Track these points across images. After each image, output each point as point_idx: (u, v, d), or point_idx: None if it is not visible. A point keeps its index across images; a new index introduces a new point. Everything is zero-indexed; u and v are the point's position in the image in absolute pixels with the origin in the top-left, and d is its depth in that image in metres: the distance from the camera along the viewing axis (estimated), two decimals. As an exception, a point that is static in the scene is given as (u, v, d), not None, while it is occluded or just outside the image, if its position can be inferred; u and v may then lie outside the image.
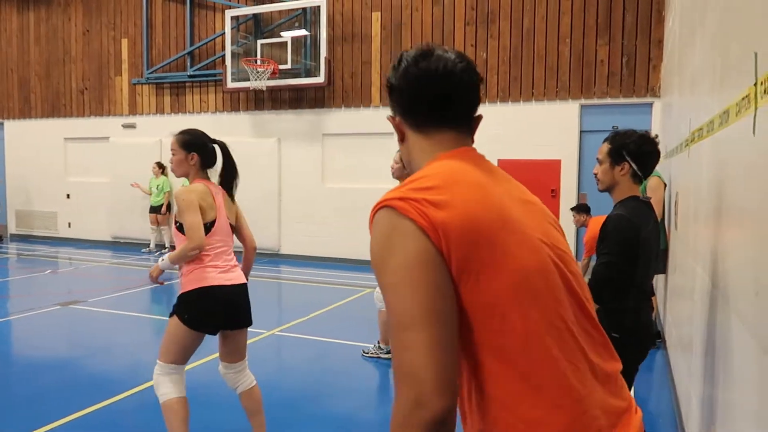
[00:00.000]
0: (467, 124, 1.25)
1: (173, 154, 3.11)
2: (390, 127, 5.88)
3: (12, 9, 13.04)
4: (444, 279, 1.01)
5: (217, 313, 2.95)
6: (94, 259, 10.49)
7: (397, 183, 6.53)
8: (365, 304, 7.26)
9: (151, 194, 10.95)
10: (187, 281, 2.94)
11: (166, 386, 2.92)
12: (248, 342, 5.34)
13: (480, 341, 1.05)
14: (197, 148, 3.08)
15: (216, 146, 3.18)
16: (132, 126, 11.88)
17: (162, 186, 10.94)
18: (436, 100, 1.19)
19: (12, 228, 13.44)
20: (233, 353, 3.15)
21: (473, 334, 1.05)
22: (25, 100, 13.05)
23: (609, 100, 8.50)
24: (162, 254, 10.95)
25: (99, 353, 5.21)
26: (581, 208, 6.67)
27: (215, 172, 3.21)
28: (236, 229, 3.23)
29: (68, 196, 12.61)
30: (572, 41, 8.61)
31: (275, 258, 10.73)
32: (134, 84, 11.77)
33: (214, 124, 11.14)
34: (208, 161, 3.11)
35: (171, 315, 2.95)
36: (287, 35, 9.97)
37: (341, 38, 9.97)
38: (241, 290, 3.05)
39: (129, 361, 4.96)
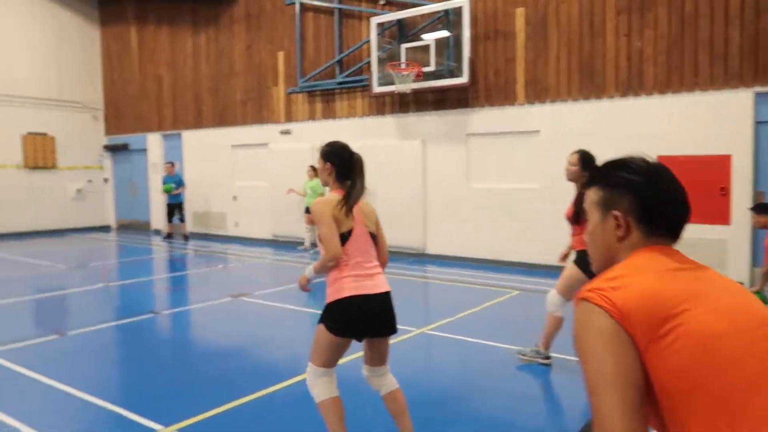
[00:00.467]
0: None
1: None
2: (536, 125, 5.88)
3: (187, 33, 14.66)
4: (627, 350, 1.18)
5: (359, 322, 3.06)
6: (257, 256, 11.49)
7: (555, 183, 6.31)
8: (514, 306, 7.19)
9: (305, 196, 11.73)
10: (329, 292, 3.08)
11: (318, 388, 3.09)
12: (398, 339, 5.62)
13: (676, 407, 1.16)
14: (333, 159, 3.20)
15: (354, 158, 3.22)
16: (288, 132, 12.81)
17: (315, 188, 11.66)
18: (677, 221, 1.39)
19: (190, 227, 15.14)
20: (375, 359, 3.27)
21: (670, 400, 1.17)
22: (198, 112, 14.62)
23: (790, 85, 7.54)
24: (317, 253, 11.69)
25: (264, 343, 5.74)
26: (762, 208, 6.01)
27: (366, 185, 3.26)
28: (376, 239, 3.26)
29: (234, 198, 13.89)
30: (743, 23, 7.77)
31: (421, 258, 10.97)
32: (289, 93, 12.68)
33: (361, 128, 11.66)
34: (343, 172, 3.19)
35: (319, 322, 3.12)
36: (430, 37, 10.13)
37: (484, 36, 9.91)
38: (383, 299, 3.11)
39: (289, 352, 5.39)
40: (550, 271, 9.36)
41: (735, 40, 7.84)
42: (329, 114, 12.14)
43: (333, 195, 3.16)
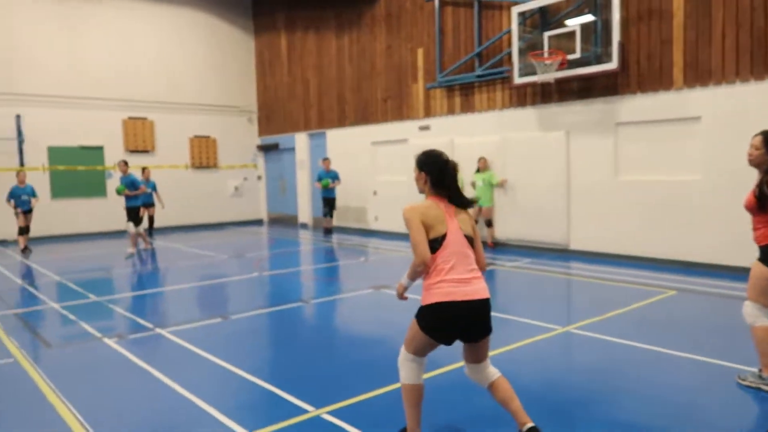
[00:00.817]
0: None
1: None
2: (696, 111, 5.41)
3: (332, 36, 15.37)
4: None
5: (447, 328, 3.08)
6: (396, 249, 11.74)
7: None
8: (671, 307, 6.65)
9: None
10: (424, 295, 3.12)
11: (404, 370, 3.21)
12: (540, 337, 5.45)
13: None
14: (429, 168, 3.22)
15: (449, 166, 3.21)
16: (426, 128, 12.93)
17: (489, 179, 11.48)
18: None
19: (333, 220, 15.87)
20: (472, 357, 3.27)
21: None
22: (341, 111, 15.27)
23: None
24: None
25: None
26: None
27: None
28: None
29: (375, 193, 14.32)
30: None
31: (563, 254, 10.52)
32: (428, 89, 12.78)
33: (501, 121, 11.43)
34: (439, 180, 3.19)
35: (415, 316, 3.17)
36: (575, 23, 9.64)
37: (636, 18, 9.23)
38: (477, 306, 3.06)
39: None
40: (715, 271, 8.52)
41: None
42: (468, 108, 12.06)
43: (425, 201, 3.20)
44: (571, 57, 9.62)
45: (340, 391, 4.20)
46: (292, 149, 17.24)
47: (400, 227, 13.72)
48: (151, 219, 14.23)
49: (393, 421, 3.68)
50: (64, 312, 6.94)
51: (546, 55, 9.79)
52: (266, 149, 18.23)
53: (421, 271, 3.09)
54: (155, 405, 4.08)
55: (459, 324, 3.08)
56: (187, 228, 15.82)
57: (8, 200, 12.26)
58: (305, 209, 16.98)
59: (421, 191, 3.29)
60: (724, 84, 8.43)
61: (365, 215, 14.83)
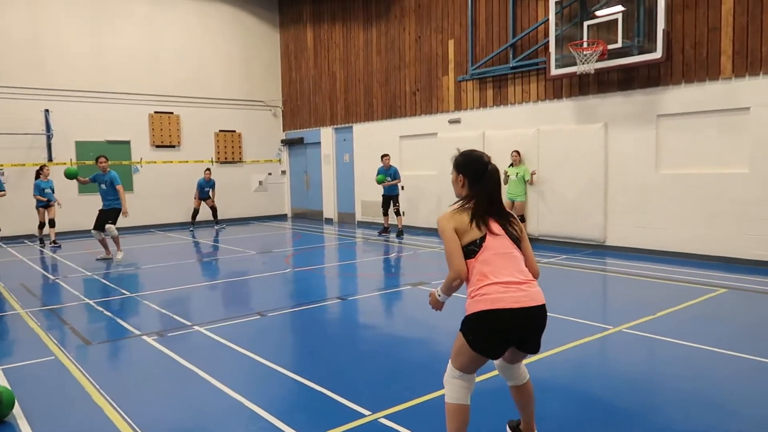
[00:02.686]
0: None
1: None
2: (746, 102, 5.03)
3: (359, 27, 15.15)
4: None
5: (499, 340, 2.75)
6: (427, 245, 11.53)
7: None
8: (725, 305, 6.37)
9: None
10: (468, 304, 2.79)
11: (450, 387, 2.87)
12: (592, 338, 5.21)
13: None
14: (467, 170, 2.91)
15: (489, 168, 2.89)
16: (457, 121, 12.67)
17: (522, 174, 11.23)
18: None
19: (359, 215, 15.71)
20: (511, 358, 3.00)
21: None
22: (368, 105, 15.07)
23: None
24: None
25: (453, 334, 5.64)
26: None
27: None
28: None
29: (402, 187, 14.10)
30: None
31: (600, 249, 10.23)
32: (459, 81, 12.52)
33: (536, 114, 11.14)
34: (475, 183, 2.88)
35: (460, 329, 2.86)
36: (617, 11, 9.30)
37: (682, 5, 8.88)
38: (532, 314, 2.73)
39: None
40: (762, 268, 8.20)
41: None
42: (501, 100, 11.78)
43: (459, 208, 2.89)
44: (611, 47, 9.30)
45: (395, 394, 4.01)
46: (318, 144, 17.08)
47: (427, 222, 13.50)
48: (213, 210, 15.40)
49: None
50: (99, 308, 6.84)
51: (586, 45, 9.48)
52: (291, 144, 18.10)
53: (456, 285, 2.82)
54: (204, 406, 3.93)
55: (510, 336, 2.75)
56: (211, 222, 15.75)
57: (35, 194, 12.46)
58: (330, 204, 16.83)
59: (459, 195, 2.97)
60: (776, 73, 8.08)
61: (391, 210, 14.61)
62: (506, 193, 11.12)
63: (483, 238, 2.78)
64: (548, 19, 10.29)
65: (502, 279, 2.72)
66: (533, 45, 10.97)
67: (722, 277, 7.80)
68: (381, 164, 13.09)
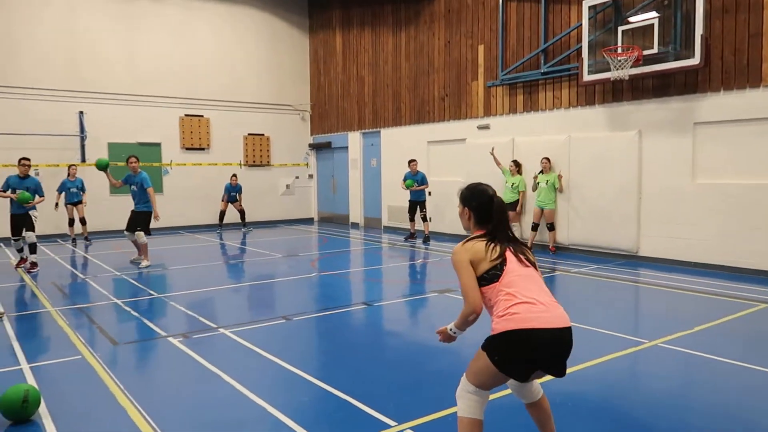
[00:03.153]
0: None
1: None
2: None
3: (388, 32, 15.13)
4: None
5: (529, 361, 2.66)
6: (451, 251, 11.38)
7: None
8: (766, 320, 6.11)
9: (506, 185, 11.36)
10: (495, 323, 2.71)
11: (463, 402, 2.82)
12: (631, 350, 5.04)
13: None
14: (472, 204, 2.96)
15: (493, 201, 2.93)
16: (486, 127, 12.53)
17: (518, 185, 11.23)
18: None
19: (385, 220, 15.65)
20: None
21: None
22: (396, 110, 15.01)
23: None
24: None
25: (476, 346, 5.52)
26: None
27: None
28: None
29: (429, 193, 13.98)
30: None
31: (632, 260, 9.97)
32: (489, 87, 12.38)
33: (567, 120, 10.95)
34: (484, 216, 2.92)
35: (482, 347, 2.78)
36: (652, 16, 9.08)
37: (722, 10, 8.62)
38: (561, 335, 2.65)
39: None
40: (807, 284, 7.88)
41: None
42: (531, 106, 11.60)
43: (473, 236, 2.90)
44: (647, 52, 9.08)
45: (421, 405, 3.91)
46: (345, 148, 17.08)
47: (454, 228, 13.36)
48: (241, 213, 15.61)
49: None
50: (127, 308, 6.89)
51: (620, 50, 9.28)
52: (318, 148, 18.15)
53: (472, 320, 2.76)
54: (227, 411, 3.88)
55: (539, 357, 2.64)
56: (238, 225, 15.86)
57: (59, 192, 12.89)
58: (357, 209, 16.80)
59: (466, 228, 3.03)
60: (821, 80, 7.78)
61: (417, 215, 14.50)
62: (536, 201, 10.94)
63: (503, 262, 2.77)
64: (581, 24, 10.10)
65: (531, 299, 2.67)
66: (565, 50, 10.79)
67: (762, 291, 7.52)
68: (408, 170, 13.01)
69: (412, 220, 13.22)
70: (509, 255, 2.81)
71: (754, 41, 8.35)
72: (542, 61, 11.17)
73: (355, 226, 16.68)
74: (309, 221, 18.37)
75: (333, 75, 17.30)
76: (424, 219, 12.90)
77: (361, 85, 16.20)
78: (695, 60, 8.59)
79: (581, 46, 10.10)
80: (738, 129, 8.65)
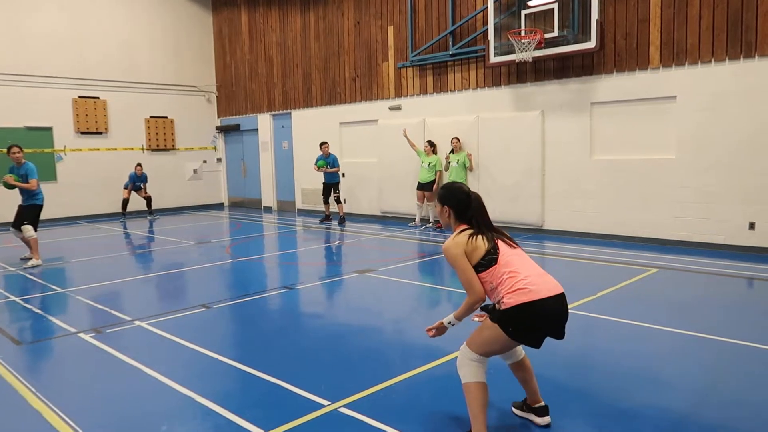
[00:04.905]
0: None
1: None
2: (672, 90, 5.53)
3: (296, 12, 14.83)
4: None
5: (544, 327, 2.98)
6: (369, 232, 11.52)
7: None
8: (658, 284, 6.70)
9: (422, 164, 11.56)
10: (505, 298, 2.93)
11: (467, 369, 3.04)
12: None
13: None
14: (450, 202, 3.18)
15: (471, 197, 3.17)
16: (398, 108, 12.68)
17: (434, 164, 11.46)
18: None
19: (299, 203, 15.50)
20: None
21: None
22: (307, 91, 14.82)
23: None
24: (428, 229, 11.56)
25: (405, 320, 5.67)
26: None
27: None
28: None
29: (343, 174, 13.99)
30: None
31: (538, 233, 10.55)
32: (399, 68, 12.51)
33: (475, 101, 11.30)
34: (463, 212, 3.15)
35: (493, 321, 2.99)
36: (551, 1, 9.52)
37: (615, -3, 9.21)
38: (562, 300, 2.98)
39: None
40: (689, 248, 8.69)
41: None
42: (441, 87, 11.87)
43: (460, 235, 3.08)
44: (548, 36, 9.54)
45: (354, 383, 3.98)
46: (255, 131, 16.68)
47: (369, 209, 13.49)
48: (148, 200, 15.00)
49: (415, 410, 3.53)
50: (28, 306, 6.42)
51: (524, 33, 9.67)
52: (226, 130, 17.58)
53: (477, 307, 3.04)
54: (153, 404, 3.75)
55: (552, 321, 2.97)
56: (143, 212, 15.12)
57: None
58: (269, 193, 16.52)
59: (447, 225, 3.26)
60: (699, 64, 8.53)
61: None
62: (448, 180, 11.26)
63: (495, 246, 3.02)
64: (487, 8, 10.41)
65: (530, 273, 2.97)
66: (472, 33, 11.10)
67: (653, 257, 8.22)
68: (320, 152, 12.92)
69: (326, 202, 13.17)
70: (498, 240, 3.07)
71: (643, 27, 8.99)
72: (450, 43, 11.43)
73: (269, 210, 16.41)
74: (219, 206, 17.83)
75: (240, 55, 16.76)
76: (338, 201, 12.89)
77: (270, 65, 15.82)
78: (591, 44, 9.14)
79: (487, 29, 10.42)
80: (630, 108, 9.32)
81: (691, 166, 8.69)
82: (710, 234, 8.54)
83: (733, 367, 4.21)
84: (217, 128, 17.76)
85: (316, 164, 12.77)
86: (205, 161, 17.67)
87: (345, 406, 3.62)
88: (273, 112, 15.98)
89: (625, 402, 3.64)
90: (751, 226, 8.13)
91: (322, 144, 12.79)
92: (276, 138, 16.15)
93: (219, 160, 18.01)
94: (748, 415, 3.44)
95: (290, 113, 15.43)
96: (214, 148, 17.91)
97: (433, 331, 3.24)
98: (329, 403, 3.66)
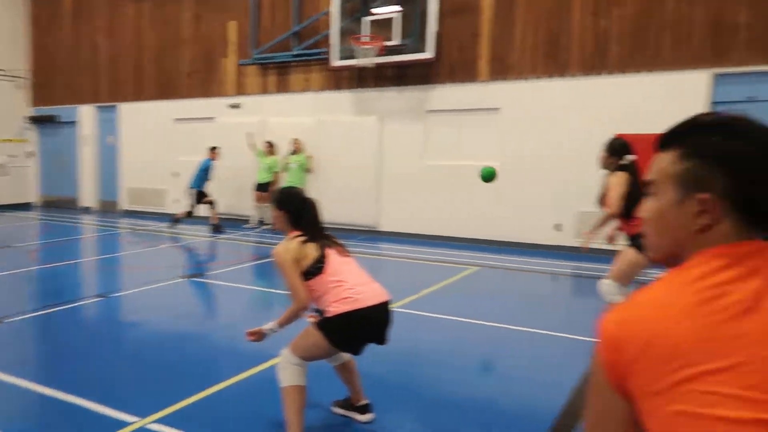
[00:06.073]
0: None
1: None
2: (497, 103, 5.94)
3: (127, -4, 13.63)
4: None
5: (365, 335, 3.01)
6: (200, 235, 10.86)
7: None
8: (476, 281, 7.09)
9: (260, 165, 11.13)
10: (329, 307, 2.94)
11: (288, 373, 2.97)
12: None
13: None
14: (287, 206, 3.14)
15: (307, 203, 3.16)
16: (237, 106, 12.17)
17: (272, 165, 11.12)
18: None
19: (125, 204, 14.22)
20: None
21: None
22: (138, 83, 13.67)
23: (748, 68, 7.75)
24: (264, 231, 11.21)
25: (231, 325, 5.32)
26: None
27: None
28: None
29: (176, 174, 13.10)
30: (707, 4, 7.90)
31: (373, 235, 10.73)
32: (241, 65, 12.02)
33: (317, 103, 11.22)
34: (297, 218, 3.11)
35: (316, 327, 2.95)
36: (395, 10, 9.76)
37: (451, 11, 9.67)
38: (385, 307, 3.03)
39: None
40: (509, 248, 9.37)
41: (698, 21, 7.97)
42: (283, 88, 11.61)
43: (292, 241, 3.03)
44: (389, 44, 9.75)
45: (166, 396, 3.58)
46: (75, 123, 15.00)
47: (203, 211, 12.74)
48: None
49: (232, 420, 3.29)
50: None
51: (366, 39, 9.79)
52: (41, 121, 15.60)
53: (301, 316, 3.00)
54: None
55: (374, 329, 3.00)
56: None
57: None
58: (90, 191, 14.95)
59: (282, 230, 3.18)
60: (521, 79, 9.26)
61: (163, 198, 13.52)
62: (286, 182, 11.01)
63: (323, 256, 3.00)
64: (330, 11, 10.39)
65: (357, 282, 2.99)
66: (316, 35, 11.01)
67: (473, 256, 8.73)
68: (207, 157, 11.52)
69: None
70: (328, 249, 3.05)
71: (474, 41, 9.57)
72: (294, 44, 11.23)
73: (88, 210, 14.83)
74: (26, 207, 15.71)
75: (60, 39, 14.99)
76: (211, 205, 11.86)
77: (96, 52, 14.35)
78: (429, 54, 9.52)
79: (330, 32, 10.39)
80: (460, 117, 9.86)
81: (511, 172, 9.36)
82: (524, 234, 9.31)
83: (541, 351, 4.51)
84: (29, 118, 15.69)
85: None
86: (12, 156, 15.49)
87: (156, 421, 3.24)
88: (98, 104, 14.50)
89: (447, 392, 3.72)
90: (557, 227, 9.03)
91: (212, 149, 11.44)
92: (101, 132, 14.68)
93: (30, 154, 15.92)
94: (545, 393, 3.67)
95: (117, 106, 14.11)
96: (26, 140, 15.80)
97: (253, 336, 3.09)
98: (138, 419, 3.25)
